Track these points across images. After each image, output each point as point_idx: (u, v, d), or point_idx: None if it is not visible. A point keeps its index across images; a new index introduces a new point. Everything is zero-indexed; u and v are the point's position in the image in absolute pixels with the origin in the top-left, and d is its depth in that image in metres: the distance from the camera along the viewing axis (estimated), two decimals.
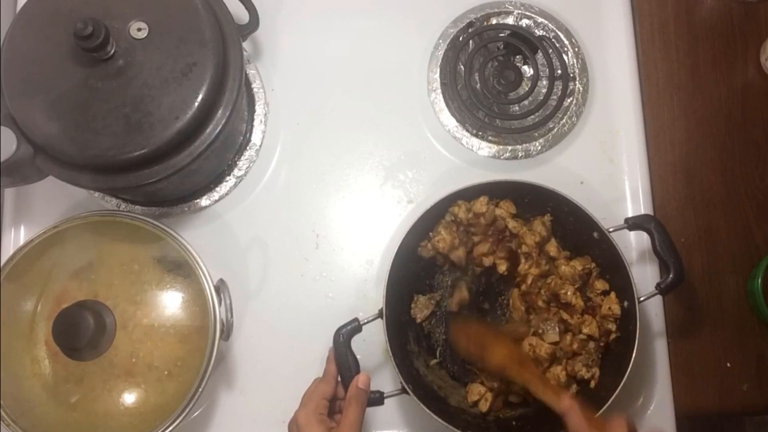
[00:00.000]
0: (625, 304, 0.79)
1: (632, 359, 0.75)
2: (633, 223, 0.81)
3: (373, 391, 0.76)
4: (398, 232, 0.84)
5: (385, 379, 0.86)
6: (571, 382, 0.80)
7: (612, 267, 0.80)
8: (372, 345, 0.86)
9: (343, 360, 0.76)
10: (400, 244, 0.80)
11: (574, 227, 0.82)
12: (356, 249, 0.91)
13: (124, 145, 0.71)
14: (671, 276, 0.79)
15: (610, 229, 0.80)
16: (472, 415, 0.82)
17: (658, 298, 0.88)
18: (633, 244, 0.90)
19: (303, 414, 0.72)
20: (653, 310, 0.88)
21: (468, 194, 0.82)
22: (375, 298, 0.88)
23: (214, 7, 0.77)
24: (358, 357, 0.77)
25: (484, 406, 0.80)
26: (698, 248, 0.91)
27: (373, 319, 0.78)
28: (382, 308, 0.78)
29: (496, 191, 0.83)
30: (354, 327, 0.77)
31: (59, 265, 0.81)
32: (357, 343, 0.77)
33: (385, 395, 0.76)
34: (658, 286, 0.79)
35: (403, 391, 0.76)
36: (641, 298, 0.78)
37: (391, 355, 0.76)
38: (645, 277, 0.88)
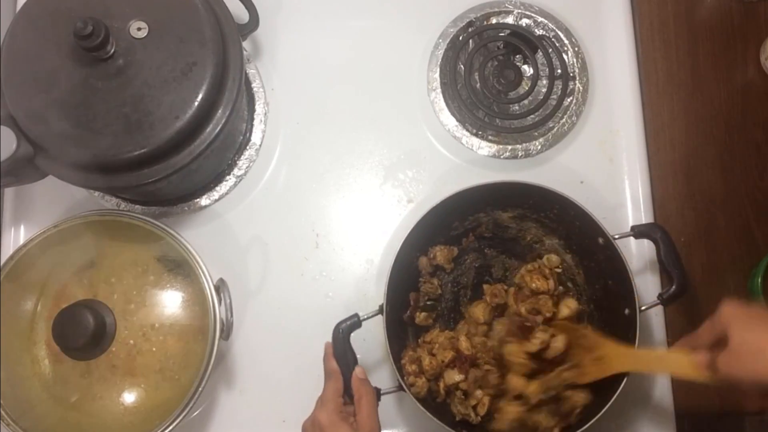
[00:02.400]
0: (626, 311, 0.78)
1: (637, 337, 0.75)
2: (639, 232, 0.81)
3: None
4: (399, 232, 0.84)
5: (384, 377, 0.86)
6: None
7: (615, 274, 0.80)
8: (371, 343, 0.86)
9: (342, 355, 0.76)
10: (403, 243, 0.79)
11: (579, 231, 0.82)
12: (356, 248, 0.91)
13: (124, 144, 0.71)
14: (674, 287, 0.78)
15: (616, 236, 0.79)
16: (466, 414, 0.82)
17: (657, 292, 0.88)
18: (634, 251, 0.90)
19: (324, 415, 0.72)
20: (653, 310, 0.87)
21: (476, 193, 0.81)
22: (375, 297, 0.88)
23: (214, 6, 0.77)
24: (358, 357, 0.77)
25: (482, 410, 0.79)
26: (698, 248, 0.91)
27: (373, 315, 0.78)
28: (382, 304, 0.78)
29: (503, 192, 0.82)
30: (353, 322, 0.77)
31: (59, 264, 0.81)
32: (356, 343, 0.77)
33: (381, 392, 0.76)
34: (660, 296, 0.79)
35: (400, 388, 0.76)
36: (643, 308, 0.77)
37: (389, 351, 0.76)
38: (646, 284, 0.89)
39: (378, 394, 0.76)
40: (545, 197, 0.82)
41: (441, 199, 0.80)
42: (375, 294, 0.89)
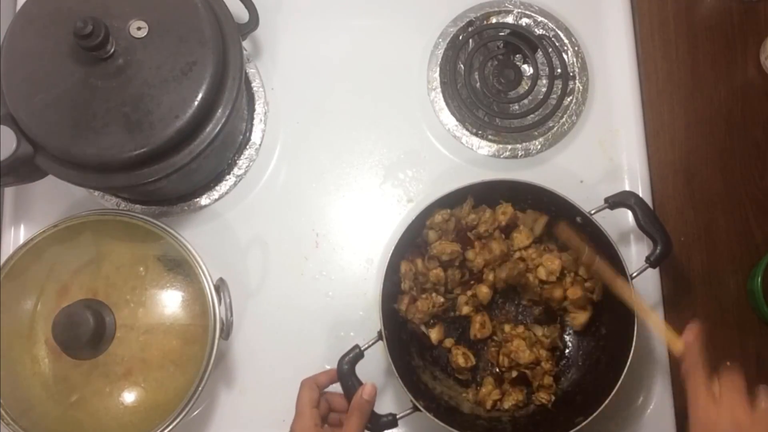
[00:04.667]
0: None
1: (635, 332, 0.75)
2: (613, 202, 0.81)
3: (384, 415, 0.74)
4: (395, 236, 0.84)
5: (393, 398, 0.85)
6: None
7: (600, 248, 0.80)
8: (375, 365, 0.84)
9: (350, 388, 0.74)
10: (390, 258, 0.79)
11: (556, 215, 0.83)
12: (356, 248, 0.91)
13: (124, 144, 0.71)
14: (659, 248, 0.79)
15: (592, 211, 0.80)
16: (486, 419, 0.82)
17: (656, 291, 0.89)
18: (614, 224, 0.89)
19: (299, 426, 0.71)
20: (645, 275, 0.85)
21: (447, 203, 0.82)
22: (375, 297, 0.88)
23: (214, 6, 0.77)
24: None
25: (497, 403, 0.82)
26: (698, 247, 0.91)
27: (373, 343, 0.77)
28: (380, 330, 0.77)
29: (474, 192, 0.83)
30: (356, 354, 0.75)
31: (59, 264, 0.81)
32: (358, 366, 0.76)
33: (398, 417, 0.74)
34: (647, 259, 0.79)
35: (415, 408, 0.75)
36: (633, 274, 0.78)
37: (397, 375, 0.75)
38: (633, 253, 0.89)
39: (394, 420, 0.74)
40: (515, 190, 0.82)
41: (406, 226, 0.81)
42: (375, 293, 0.88)
